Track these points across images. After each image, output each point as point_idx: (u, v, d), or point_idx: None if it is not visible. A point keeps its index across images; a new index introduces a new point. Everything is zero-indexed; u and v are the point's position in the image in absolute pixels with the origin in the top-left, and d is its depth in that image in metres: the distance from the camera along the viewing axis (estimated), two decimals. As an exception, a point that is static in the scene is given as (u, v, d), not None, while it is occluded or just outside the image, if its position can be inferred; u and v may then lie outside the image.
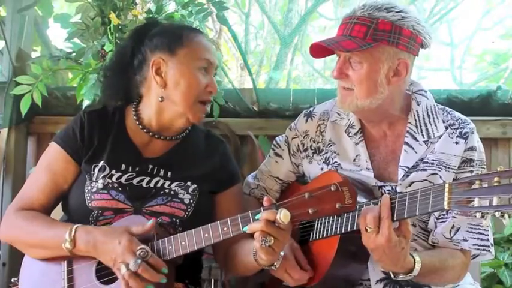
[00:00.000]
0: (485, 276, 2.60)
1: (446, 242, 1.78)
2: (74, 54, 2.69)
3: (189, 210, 1.80)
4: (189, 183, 1.83)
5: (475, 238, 1.76)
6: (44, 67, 2.63)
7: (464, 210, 1.46)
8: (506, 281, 2.58)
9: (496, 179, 1.36)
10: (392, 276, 1.65)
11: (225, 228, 1.58)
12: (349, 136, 1.91)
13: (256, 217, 1.53)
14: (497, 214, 1.35)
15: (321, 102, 2.11)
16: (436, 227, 1.80)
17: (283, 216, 1.46)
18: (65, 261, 1.74)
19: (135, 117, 1.91)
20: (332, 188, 1.48)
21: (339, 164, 1.89)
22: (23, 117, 2.74)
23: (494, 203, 1.34)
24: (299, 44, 4.11)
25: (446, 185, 1.45)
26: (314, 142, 1.99)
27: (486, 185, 1.38)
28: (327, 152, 1.94)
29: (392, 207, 1.56)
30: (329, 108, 2.02)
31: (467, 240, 1.76)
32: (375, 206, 1.59)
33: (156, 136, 1.90)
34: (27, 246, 1.80)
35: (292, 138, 2.05)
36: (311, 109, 2.06)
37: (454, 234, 1.76)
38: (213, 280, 2.69)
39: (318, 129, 2.00)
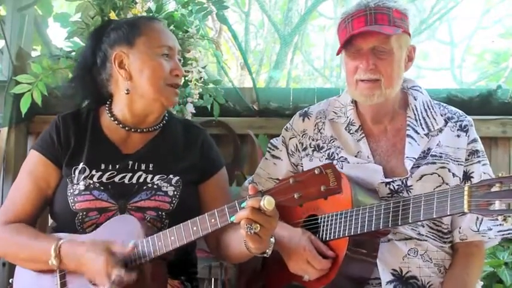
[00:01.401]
0: (485, 275, 2.60)
1: (474, 235, 1.81)
2: (74, 53, 2.69)
3: (173, 202, 1.80)
4: (171, 175, 1.83)
5: (497, 225, 1.79)
6: (44, 66, 2.62)
7: (485, 214, 1.46)
8: (506, 280, 2.58)
9: None
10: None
11: (213, 220, 1.58)
12: (350, 133, 1.92)
13: (242, 205, 1.53)
14: None
15: (321, 101, 2.12)
16: (454, 221, 1.83)
17: (267, 202, 1.46)
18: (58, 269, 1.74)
19: (109, 115, 1.91)
20: (316, 171, 1.47)
21: (346, 159, 1.90)
22: (23, 116, 2.73)
23: None
24: (299, 43, 4.11)
25: (466, 188, 1.46)
26: (313, 140, 2.00)
27: (506, 188, 1.38)
28: (329, 148, 1.95)
29: (406, 210, 1.57)
30: (324, 108, 2.04)
31: (491, 229, 1.79)
32: None
33: (132, 130, 1.90)
34: (17, 260, 1.81)
35: (290, 139, 2.05)
36: (306, 109, 2.08)
37: (480, 225, 1.79)
38: (213, 279, 2.68)
39: (316, 127, 2.01)
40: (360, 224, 1.66)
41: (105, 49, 1.88)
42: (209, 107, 2.77)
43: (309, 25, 4.22)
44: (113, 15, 2.49)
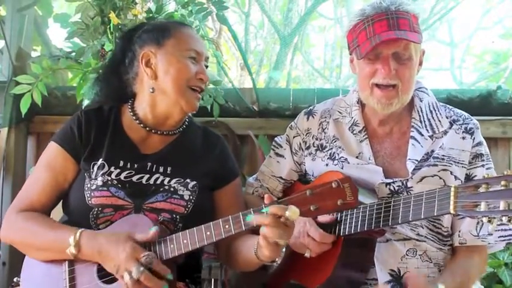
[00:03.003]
0: (485, 276, 2.60)
1: (474, 239, 1.79)
2: (73, 53, 2.69)
3: (189, 206, 1.81)
4: (188, 179, 1.84)
5: (498, 230, 1.78)
6: (44, 66, 2.62)
7: (471, 215, 1.43)
8: (506, 281, 2.58)
9: (503, 182, 1.34)
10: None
11: (227, 226, 1.58)
12: (353, 134, 1.92)
13: (263, 211, 1.52)
14: (504, 219, 1.32)
15: (321, 101, 2.12)
16: (454, 225, 1.81)
17: (292, 212, 1.46)
18: (67, 262, 1.74)
19: (131, 113, 1.93)
20: (333, 185, 1.48)
21: (346, 159, 1.89)
22: (22, 116, 2.73)
23: (501, 207, 1.32)
24: (299, 43, 4.12)
25: (452, 189, 1.44)
26: (317, 139, 1.99)
27: (493, 189, 1.36)
28: (331, 148, 1.94)
29: (396, 210, 1.56)
30: (329, 107, 2.03)
31: (492, 234, 1.77)
32: None
33: (153, 131, 1.91)
34: (29, 248, 1.80)
35: (294, 137, 2.05)
36: (311, 108, 2.07)
37: (480, 230, 1.78)
38: (213, 280, 2.68)
39: (320, 127, 2.00)
40: (353, 224, 1.66)
41: (134, 49, 1.91)
42: (209, 107, 2.77)
43: (309, 25, 4.22)
44: (112, 16, 2.49)
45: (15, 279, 1.87)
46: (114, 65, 1.97)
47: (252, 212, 1.54)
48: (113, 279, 1.67)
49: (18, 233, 1.79)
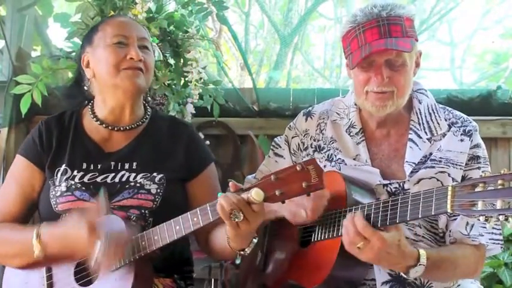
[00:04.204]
0: (485, 276, 2.60)
1: (464, 238, 1.77)
2: (74, 53, 2.69)
3: (157, 200, 1.80)
4: (155, 173, 1.82)
5: (489, 233, 1.76)
6: (44, 66, 2.62)
7: (468, 214, 1.43)
8: (506, 281, 2.58)
9: (499, 181, 1.33)
10: (403, 275, 1.63)
11: (195, 219, 1.59)
12: (350, 136, 1.92)
13: None
14: (501, 218, 1.32)
15: (321, 101, 2.12)
16: (447, 225, 1.80)
17: (254, 193, 1.46)
18: (44, 268, 1.75)
19: (91, 115, 1.93)
20: (298, 168, 1.46)
21: (343, 161, 1.89)
22: (23, 116, 2.74)
23: (498, 206, 1.32)
24: (299, 43, 4.12)
25: (449, 188, 1.44)
26: (315, 140, 1.99)
27: (490, 188, 1.35)
28: (329, 149, 1.94)
29: (394, 210, 1.56)
30: (328, 108, 2.03)
31: (483, 235, 1.76)
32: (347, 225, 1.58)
33: (115, 129, 1.90)
34: (4, 258, 1.81)
35: (292, 138, 2.05)
36: (310, 108, 2.07)
37: (470, 230, 1.76)
38: (212, 280, 2.69)
39: (318, 128, 2.00)
40: None
41: (80, 56, 1.95)
42: (209, 107, 2.77)
43: (309, 25, 4.23)
44: (112, 16, 2.49)
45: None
46: (78, 77, 2.00)
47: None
48: (90, 281, 1.68)
49: None
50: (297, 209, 1.70)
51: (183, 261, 1.95)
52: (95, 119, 1.92)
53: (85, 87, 1.96)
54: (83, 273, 1.69)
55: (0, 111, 3.04)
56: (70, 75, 2.87)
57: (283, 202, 1.53)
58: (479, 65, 4.45)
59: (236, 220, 1.49)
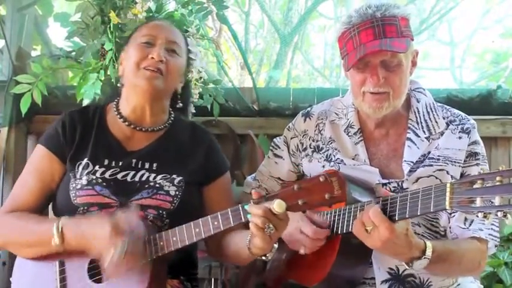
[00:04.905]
0: (485, 275, 2.60)
1: (464, 231, 1.78)
2: (74, 53, 2.69)
3: (175, 201, 1.81)
4: (174, 175, 1.84)
5: (489, 228, 1.77)
6: (44, 66, 2.62)
7: (467, 210, 1.44)
8: (506, 280, 2.58)
9: (498, 178, 1.34)
10: (407, 266, 1.63)
11: (216, 223, 1.60)
12: (349, 136, 1.92)
13: (245, 208, 1.55)
14: (499, 214, 1.33)
15: (321, 101, 2.12)
16: (449, 222, 1.80)
17: (276, 205, 1.48)
18: (57, 261, 1.75)
19: (115, 112, 1.96)
20: (321, 179, 1.49)
21: (342, 161, 1.89)
22: (23, 116, 2.73)
23: (497, 202, 1.33)
24: (299, 43, 4.13)
25: (448, 185, 1.44)
26: (313, 141, 1.99)
27: (488, 185, 1.36)
28: (328, 150, 1.94)
29: (393, 207, 1.56)
30: (327, 108, 2.03)
31: (482, 230, 1.77)
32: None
33: (137, 128, 1.93)
34: (18, 247, 1.81)
35: (291, 138, 2.05)
36: (308, 109, 2.07)
37: (470, 225, 1.77)
38: (212, 279, 2.69)
39: (317, 128, 2.00)
40: (351, 222, 1.65)
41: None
42: (209, 106, 2.77)
43: (309, 25, 4.23)
44: (113, 15, 2.49)
45: (11, 279, 1.87)
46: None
47: (241, 212, 1.56)
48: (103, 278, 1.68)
49: (6, 231, 1.81)
50: (298, 241, 1.72)
51: (190, 264, 1.96)
52: (118, 116, 1.94)
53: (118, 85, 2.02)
54: (97, 270, 1.70)
55: (0, 111, 3.04)
56: (70, 74, 2.88)
57: (304, 212, 1.58)
58: (479, 64, 4.46)
59: (269, 232, 1.51)
